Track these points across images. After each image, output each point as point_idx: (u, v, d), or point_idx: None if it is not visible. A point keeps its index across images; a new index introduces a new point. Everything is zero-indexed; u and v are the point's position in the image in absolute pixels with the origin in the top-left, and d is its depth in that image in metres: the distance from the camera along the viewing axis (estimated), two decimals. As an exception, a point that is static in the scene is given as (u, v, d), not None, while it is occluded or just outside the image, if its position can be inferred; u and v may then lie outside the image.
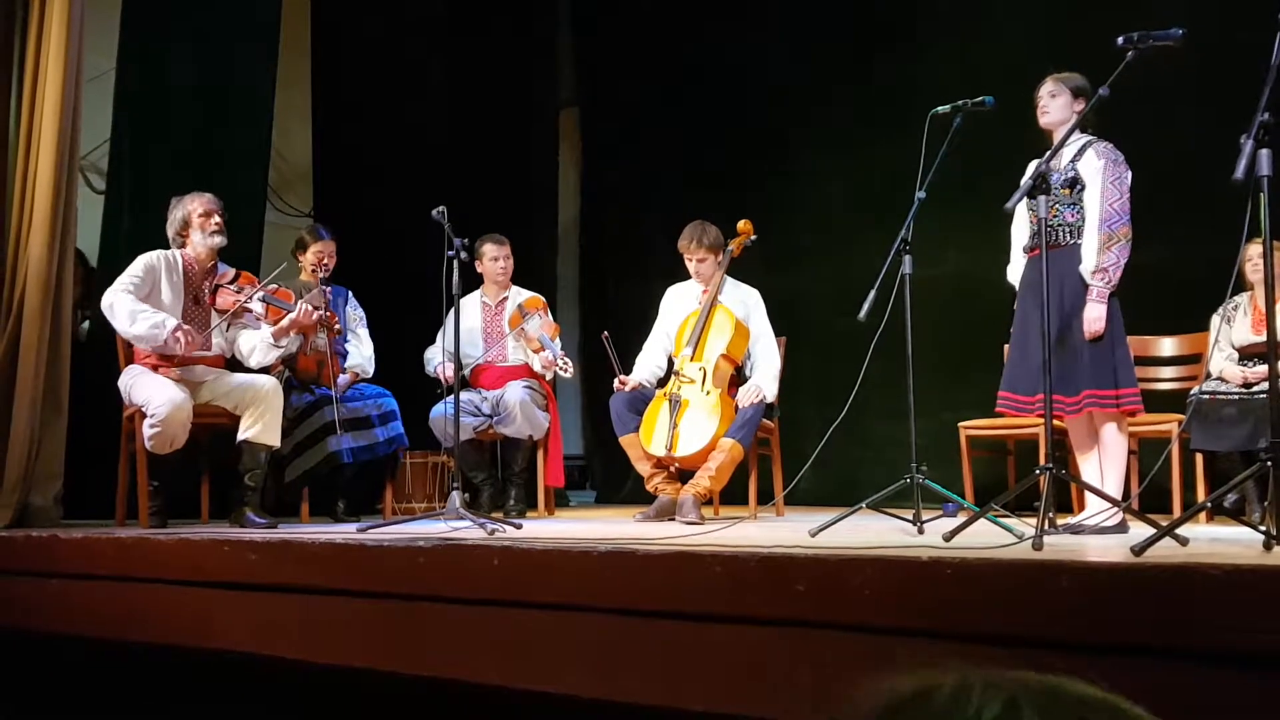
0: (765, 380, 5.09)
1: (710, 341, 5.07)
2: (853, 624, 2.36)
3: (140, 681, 3.99)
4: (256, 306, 4.82)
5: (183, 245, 4.82)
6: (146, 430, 4.51)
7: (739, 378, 5.14)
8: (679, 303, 5.40)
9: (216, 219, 4.78)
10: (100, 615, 3.80)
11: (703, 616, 2.58)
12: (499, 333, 5.79)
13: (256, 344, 4.82)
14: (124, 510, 4.80)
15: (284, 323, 4.82)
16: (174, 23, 5.87)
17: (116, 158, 5.78)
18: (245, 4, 6.14)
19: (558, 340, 5.74)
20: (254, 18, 6.17)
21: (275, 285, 4.92)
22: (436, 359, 5.65)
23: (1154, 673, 2.04)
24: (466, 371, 5.62)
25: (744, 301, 5.27)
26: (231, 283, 4.83)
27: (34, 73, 4.71)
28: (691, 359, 5.05)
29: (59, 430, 4.67)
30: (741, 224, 5.29)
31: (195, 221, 4.76)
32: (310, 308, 4.89)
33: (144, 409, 4.54)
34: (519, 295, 5.89)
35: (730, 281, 5.31)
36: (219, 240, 4.79)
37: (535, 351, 5.64)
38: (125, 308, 4.55)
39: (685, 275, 5.36)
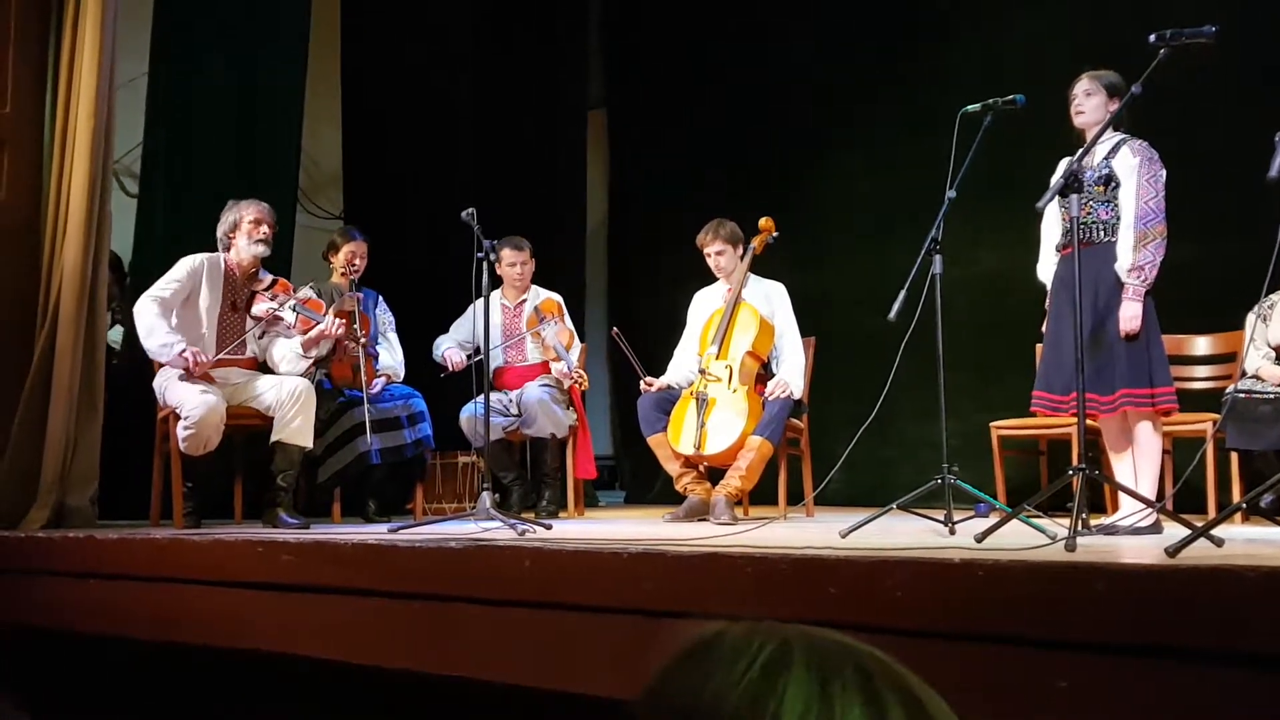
0: (791, 375, 5.08)
1: (735, 339, 5.06)
2: (885, 626, 2.34)
3: (174, 682, 4.03)
4: (288, 315, 4.87)
5: (228, 249, 4.89)
6: (180, 432, 4.56)
7: (765, 374, 5.13)
8: (706, 304, 5.41)
9: (265, 228, 4.85)
10: (135, 615, 3.83)
11: (734, 618, 2.57)
12: (517, 333, 5.81)
13: (287, 353, 4.88)
14: (158, 511, 4.85)
15: (312, 333, 4.88)
16: (204, 27, 5.92)
17: (149, 161, 5.84)
18: (274, 9, 6.18)
19: (575, 349, 5.76)
20: (283, 23, 6.22)
21: (308, 295, 4.97)
22: (444, 344, 5.68)
23: (1189, 676, 2.02)
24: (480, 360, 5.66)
25: (768, 297, 5.26)
26: (267, 289, 4.89)
27: (68, 79, 4.76)
28: (717, 357, 5.04)
29: (94, 432, 4.72)
30: (763, 221, 5.28)
31: (244, 227, 4.84)
32: (338, 321, 4.93)
33: (178, 411, 4.59)
34: (538, 296, 5.91)
35: (753, 278, 5.31)
36: (262, 249, 4.86)
37: (552, 361, 5.67)
38: (146, 319, 4.64)
39: (713, 277, 5.36)
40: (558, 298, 5.93)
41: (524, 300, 5.90)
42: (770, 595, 2.53)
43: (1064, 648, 2.13)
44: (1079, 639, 2.13)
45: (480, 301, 5.67)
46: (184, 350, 4.60)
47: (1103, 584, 2.18)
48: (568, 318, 5.87)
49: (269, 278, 4.96)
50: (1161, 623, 2.08)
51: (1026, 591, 2.24)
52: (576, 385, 5.63)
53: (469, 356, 5.52)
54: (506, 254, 5.81)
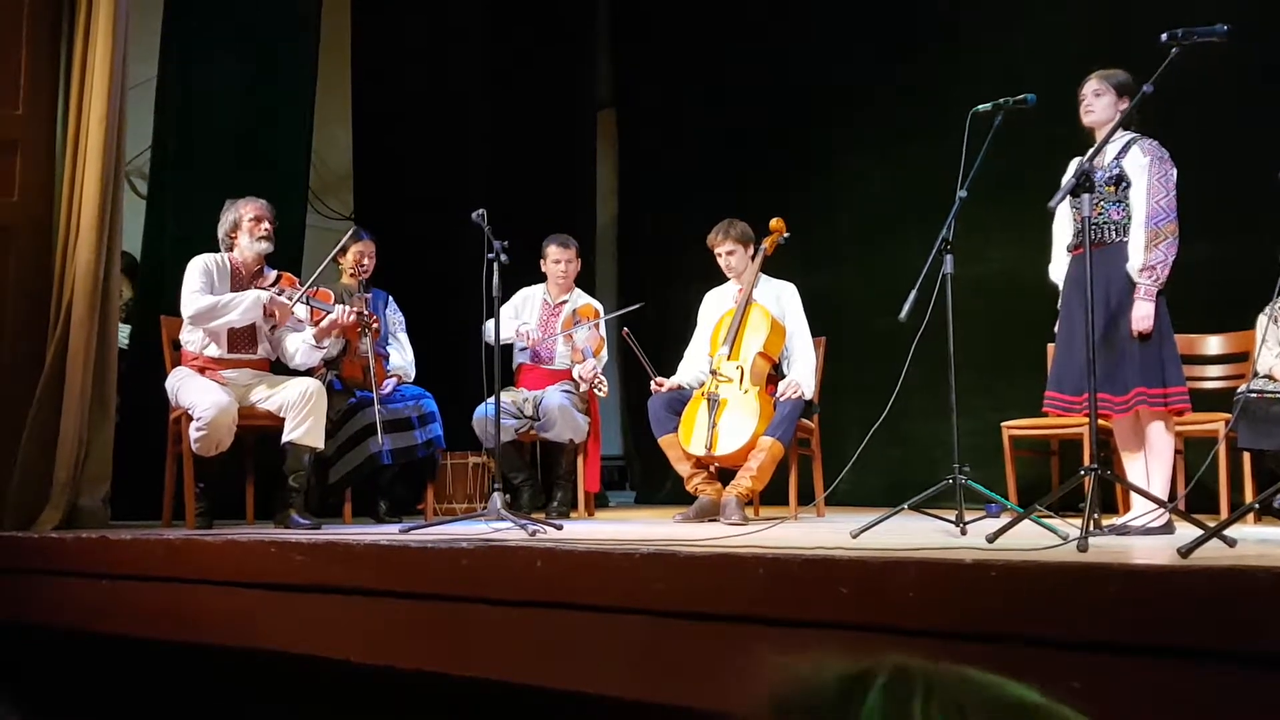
0: (803, 375, 5.08)
1: (746, 339, 5.06)
2: (896, 627, 2.35)
3: (186, 682, 4.04)
4: (300, 310, 4.90)
5: (230, 248, 4.91)
6: (192, 433, 4.57)
7: (776, 375, 5.13)
8: (717, 304, 5.40)
9: (266, 225, 4.88)
10: (148, 615, 3.84)
11: (745, 618, 2.58)
12: (552, 332, 5.84)
13: (300, 346, 4.90)
14: (170, 511, 4.87)
15: (324, 323, 4.90)
16: (214, 28, 5.93)
17: (159, 163, 5.85)
18: (285, 10, 6.19)
19: (603, 356, 5.80)
20: (294, 23, 6.23)
21: (315, 287, 4.98)
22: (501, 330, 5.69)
23: (1201, 676, 2.02)
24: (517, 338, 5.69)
25: (779, 297, 5.26)
26: (273, 285, 4.90)
27: (80, 81, 4.78)
28: (728, 357, 5.04)
29: (107, 432, 4.74)
30: (774, 222, 5.28)
31: (245, 225, 4.87)
32: (350, 309, 4.95)
33: (190, 412, 4.60)
34: (579, 299, 5.95)
35: (764, 278, 5.31)
36: (265, 246, 4.88)
37: (576, 362, 5.70)
38: (221, 303, 4.72)
39: (724, 277, 5.36)
40: (598, 305, 5.99)
41: (565, 301, 5.94)
42: (781, 595, 2.53)
43: (1076, 648, 2.13)
44: (1091, 639, 2.12)
45: (520, 294, 5.82)
46: (270, 299, 4.76)
47: (1115, 584, 2.18)
48: (603, 326, 5.93)
49: (274, 273, 4.98)
50: (1174, 623, 2.08)
51: (1038, 592, 2.24)
52: (595, 390, 5.66)
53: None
54: (552, 250, 5.88)
